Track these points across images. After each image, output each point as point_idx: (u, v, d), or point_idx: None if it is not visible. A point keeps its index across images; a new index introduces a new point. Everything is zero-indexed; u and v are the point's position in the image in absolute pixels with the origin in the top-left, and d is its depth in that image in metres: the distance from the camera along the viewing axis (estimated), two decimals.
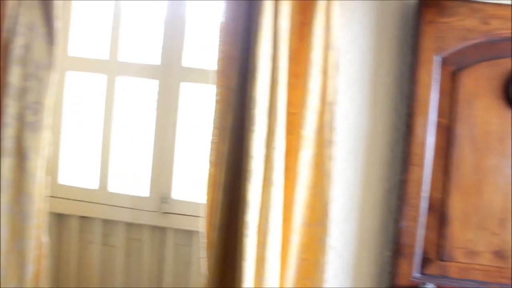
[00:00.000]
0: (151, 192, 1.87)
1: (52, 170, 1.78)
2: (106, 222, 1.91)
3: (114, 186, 1.92)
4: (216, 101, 1.55)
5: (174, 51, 1.81)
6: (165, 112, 1.83)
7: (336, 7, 1.48)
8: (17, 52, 1.47)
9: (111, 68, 1.86)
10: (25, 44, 1.49)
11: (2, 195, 1.53)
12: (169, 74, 1.82)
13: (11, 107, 1.48)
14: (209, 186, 1.56)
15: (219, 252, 1.52)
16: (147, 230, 1.88)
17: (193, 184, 1.94)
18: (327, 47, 1.49)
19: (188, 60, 1.82)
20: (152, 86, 1.88)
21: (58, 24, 1.50)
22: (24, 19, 1.48)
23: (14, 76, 1.48)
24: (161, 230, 1.87)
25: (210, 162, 1.56)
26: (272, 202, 1.46)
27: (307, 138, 1.49)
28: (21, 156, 1.51)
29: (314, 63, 1.47)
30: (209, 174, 1.56)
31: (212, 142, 1.56)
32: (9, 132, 1.49)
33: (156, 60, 1.84)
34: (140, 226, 1.88)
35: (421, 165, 1.52)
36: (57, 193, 1.87)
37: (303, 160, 1.49)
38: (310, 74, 1.47)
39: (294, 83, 1.50)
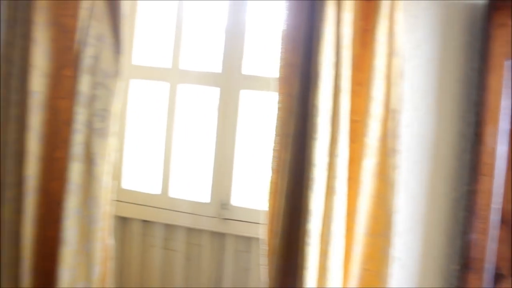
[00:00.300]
0: (211, 198, 1.89)
1: (116, 175, 1.84)
2: (167, 226, 1.94)
3: (176, 192, 1.95)
4: (278, 108, 1.55)
5: (234, 58, 1.83)
6: (225, 119, 1.85)
7: (399, 13, 1.44)
8: (87, 62, 1.54)
9: (173, 76, 1.90)
10: (94, 54, 1.55)
11: (72, 198, 1.59)
12: (230, 81, 1.84)
13: (80, 114, 1.55)
14: (270, 193, 1.56)
15: (280, 260, 1.52)
16: (207, 236, 1.90)
17: (253, 191, 1.95)
18: (390, 53, 1.46)
19: (249, 67, 1.83)
20: (213, 94, 1.90)
21: (124, 34, 1.56)
22: (94, 31, 1.54)
23: (84, 84, 1.54)
24: (221, 236, 1.89)
25: (272, 169, 1.56)
26: (335, 211, 1.43)
27: (371, 146, 1.46)
28: (89, 161, 1.57)
29: (377, 70, 1.44)
30: (271, 181, 1.56)
31: (273, 150, 1.55)
32: (79, 138, 1.56)
33: (217, 68, 1.87)
34: (200, 231, 1.91)
35: (491, 175, 1.45)
36: (121, 197, 1.93)
37: (367, 168, 1.46)
38: (374, 81, 1.44)
39: (357, 90, 1.48)
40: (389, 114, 1.46)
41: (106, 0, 1.56)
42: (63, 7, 1.62)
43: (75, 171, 1.56)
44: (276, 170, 1.55)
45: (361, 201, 1.47)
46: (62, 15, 1.62)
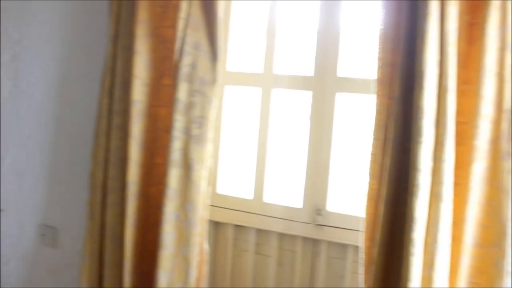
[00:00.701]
0: (305, 203, 1.86)
1: (211, 180, 1.87)
2: (260, 231, 1.94)
3: (269, 197, 1.95)
4: (376, 111, 1.48)
5: (328, 61, 1.79)
6: (320, 123, 1.81)
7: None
8: (184, 70, 1.58)
9: (266, 81, 1.90)
10: (192, 63, 1.59)
11: (170, 203, 1.64)
12: (323, 84, 1.80)
13: (179, 121, 1.59)
14: (369, 199, 1.50)
15: (379, 270, 1.45)
16: (300, 242, 1.87)
17: (349, 197, 1.89)
18: (502, 48, 1.34)
19: (343, 69, 1.78)
20: (306, 97, 1.87)
21: (220, 42, 1.58)
22: (191, 40, 1.58)
23: (182, 92, 1.58)
24: (314, 242, 1.85)
25: (370, 175, 1.50)
26: (441, 219, 1.34)
27: (480, 149, 1.35)
28: (187, 167, 1.61)
29: (487, 67, 1.33)
30: (369, 187, 1.50)
31: (372, 154, 1.49)
32: (177, 144, 1.60)
33: (310, 71, 1.84)
34: (293, 237, 1.88)
35: None
36: (215, 202, 1.95)
37: (476, 173, 1.35)
38: (483, 79, 1.33)
39: (463, 90, 1.38)
40: (502, 114, 1.34)
41: (202, 9, 1.58)
42: (162, 19, 1.68)
43: (173, 176, 1.61)
44: (375, 176, 1.49)
45: (469, 208, 1.37)
46: (161, 26, 1.68)
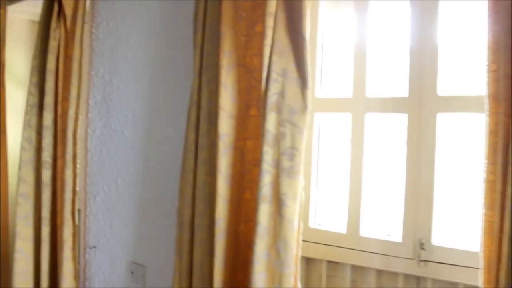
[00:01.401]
0: (405, 237, 1.69)
1: (303, 214, 1.76)
2: (356, 268, 1.79)
3: (365, 231, 1.80)
4: (489, 132, 1.30)
5: (425, 79, 1.63)
6: (418, 147, 1.65)
7: None
8: (272, 99, 1.50)
9: (357, 105, 1.78)
10: (279, 91, 1.50)
11: (261, 241, 1.54)
12: (421, 105, 1.64)
13: (268, 154, 1.50)
14: (486, 234, 1.31)
15: None
16: (402, 279, 1.70)
17: (458, 229, 1.69)
18: None
19: (444, 87, 1.62)
20: (400, 121, 1.73)
21: (308, 67, 1.49)
22: (278, 67, 1.50)
23: (270, 123, 1.50)
24: (418, 279, 1.66)
25: (486, 205, 1.31)
26: None
27: None
28: (278, 202, 1.51)
29: None
30: (486, 220, 1.31)
31: (487, 181, 1.31)
32: (267, 178, 1.51)
33: (403, 92, 1.69)
34: (393, 274, 1.71)
35: None
36: (307, 237, 1.84)
37: None
38: None
39: None
40: None
41: (288, 33, 1.51)
42: (246, 48, 1.63)
43: (264, 213, 1.51)
44: (493, 206, 1.29)
45: None
46: (246, 55, 1.63)
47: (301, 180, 1.52)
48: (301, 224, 1.60)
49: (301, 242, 1.60)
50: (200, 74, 1.70)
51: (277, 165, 1.51)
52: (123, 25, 2.23)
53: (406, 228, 1.69)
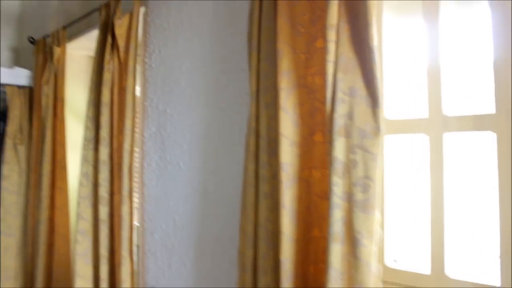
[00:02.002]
0: (505, 280, 1.40)
1: (379, 251, 1.53)
2: None
3: (452, 270, 1.53)
4: None
5: None
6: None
7: None
8: (339, 122, 1.30)
9: (434, 125, 1.54)
10: (347, 112, 1.30)
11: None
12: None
13: (338, 186, 1.30)
14: None
15: None
16: None
17: None
18: None
19: None
20: (486, 140, 1.47)
21: (379, 82, 1.28)
22: (344, 85, 1.31)
23: (339, 149, 1.30)
24: None
25: None
26: None
27: None
28: (352, 241, 1.30)
29: None
30: None
31: None
32: (337, 213, 1.30)
33: (488, 108, 1.44)
34: None
35: None
36: (384, 277, 1.59)
37: None
38: None
39: None
40: None
41: (353, 46, 1.32)
42: (306, 66, 1.45)
43: (336, 254, 1.30)
44: None
45: None
46: (307, 75, 1.45)
47: (377, 215, 1.30)
48: (380, 267, 1.37)
49: (380, 286, 1.37)
50: (257, 98, 1.54)
51: (349, 198, 1.30)
52: (175, 52, 2.13)
53: (505, 267, 1.41)
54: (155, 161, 2.22)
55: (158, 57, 2.21)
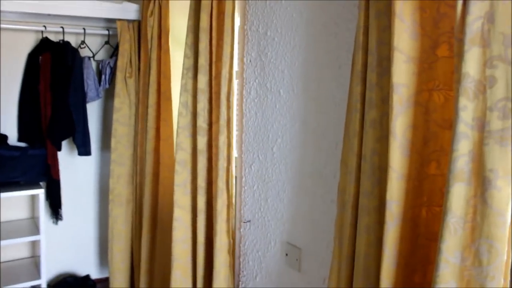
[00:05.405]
0: None
1: None
2: None
3: None
4: None
5: None
6: None
7: None
8: (474, 27, 0.99)
9: None
10: (487, 12, 0.99)
11: (450, 237, 1.06)
12: None
13: (467, 110, 1.01)
14: None
15: None
16: None
17: None
18: None
19: None
20: None
21: None
22: None
23: (472, 63, 1.00)
24: None
25: None
26: None
27: None
28: (481, 182, 1.02)
29: None
30: None
31: None
32: (464, 146, 1.02)
33: None
34: None
35: None
36: None
37: None
38: None
39: None
40: None
41: None
42: None
43: (458, 196, 1.04)
44: None
45: None
46: None
47: None
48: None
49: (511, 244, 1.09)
50: (367, 7, 1.27)
51: (481, 127, 1.01)
52: None
53: None
54: (254, 89, 2.06)
55: None
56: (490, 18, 0.99)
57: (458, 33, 1.03)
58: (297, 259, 1.85)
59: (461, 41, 1.02)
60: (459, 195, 1.05)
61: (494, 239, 1.02)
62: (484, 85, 1.00)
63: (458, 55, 1.03)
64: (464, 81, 1.01)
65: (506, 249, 1.03)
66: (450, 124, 1.15)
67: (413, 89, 1.16)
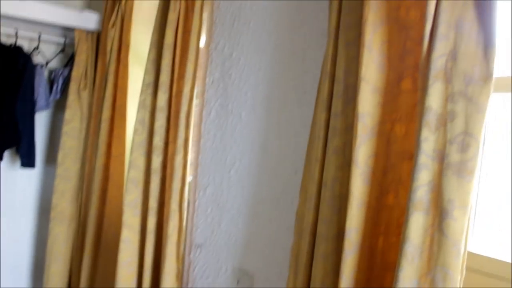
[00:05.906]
0: None
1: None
2: None
3: None
4: None
5: None
6: None
7: None
8: (438, 64, 1.04)
9: None
10: (450, 51, 1.04)
11: (407, 266, 1.08)
12: None
13: (428, 141, 1.05)
14: None
15: None
16: None
17: None
18: None
19: None
20: None
21: (497, 13, 1.00)
22: (447, 17, 1.04)
23: (434, 97, 1.04)
24: None
25: None
26: None
27: None
28: (439, 212, 1.05)
29: None
30: None
31: None
32: (424, 176, 1.05)
33: None
34: None
35: None
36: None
37: None
38: None
39: None
40: None
41: None
42: None
43: (416, 225, 1.06)
44: None
45: None
46: (400, 6, 1.19)
47: (475, 183, 1.04)
48: (467, 248, 1.12)
49: (464, 272, 1.12)
50: (336, 36, 1.30)
51: (441, 158, 1.04)
52: None
53: None
54: (215, 109, 2.04)
55: None
56: (453, 56, 1.04)
57: (423, 68, 1.07)
58: (249, 287, 1.81)
59: (425, 76, 1.06)
60: (417, 224, 1.07)
61: (449, 267, 1.04)
62: (445, 119, 1.04)
63: (422, 89, 1.07)
64: (426, 114, 1.05)
65: (459, 277, 1.06)
66: (409, 155, 1.18)
67: (377, 119, 1.19)
